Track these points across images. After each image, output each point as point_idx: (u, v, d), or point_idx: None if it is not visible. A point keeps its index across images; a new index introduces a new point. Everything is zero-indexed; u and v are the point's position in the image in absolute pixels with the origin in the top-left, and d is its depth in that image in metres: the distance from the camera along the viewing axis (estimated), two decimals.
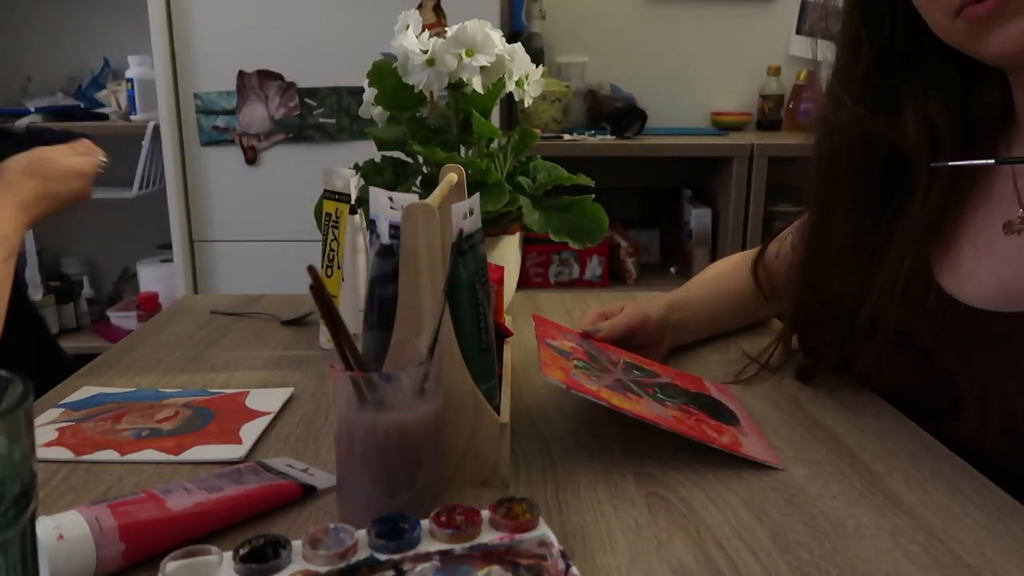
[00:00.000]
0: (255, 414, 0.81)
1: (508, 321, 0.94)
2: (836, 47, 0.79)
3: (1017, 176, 0.74)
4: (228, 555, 0.50)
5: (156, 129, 2.23)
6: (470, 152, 0.99)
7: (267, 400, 0.84)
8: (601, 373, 0.75)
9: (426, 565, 0.51)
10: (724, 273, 1.05)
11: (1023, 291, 0.70)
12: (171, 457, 0.72)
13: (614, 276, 2.45)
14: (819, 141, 0.84)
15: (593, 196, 0.97)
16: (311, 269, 0.55)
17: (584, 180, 1.00)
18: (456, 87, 0.95)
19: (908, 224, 0.77)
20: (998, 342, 0.70)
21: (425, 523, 0.53)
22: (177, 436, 0.75)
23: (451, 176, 0.77)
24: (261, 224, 2.23)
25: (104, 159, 1.24)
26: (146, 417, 0.79)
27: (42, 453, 0.72)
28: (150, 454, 0.72)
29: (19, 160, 1.12)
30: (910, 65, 0.76)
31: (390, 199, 0.67)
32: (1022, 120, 0.74)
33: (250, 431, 0.77)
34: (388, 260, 0.65)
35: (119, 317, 2.44)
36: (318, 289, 0.56)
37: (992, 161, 0.67)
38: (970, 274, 0.75)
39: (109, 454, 0.72)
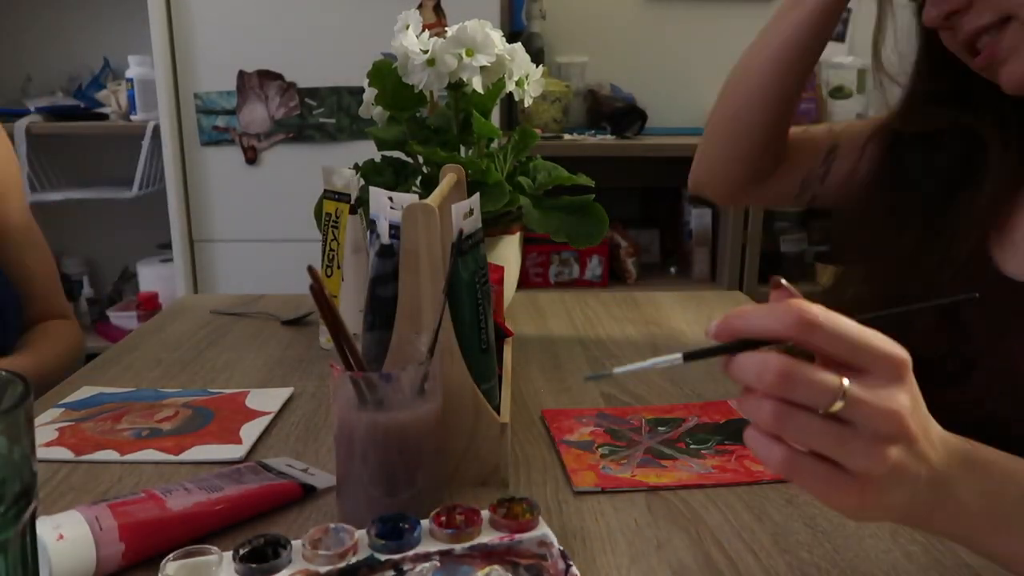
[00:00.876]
0: (255, 414, 0.81)
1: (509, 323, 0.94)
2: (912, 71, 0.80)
3: None
4: (228, 555, 0.50)
5: (156, 129, 2.22)
6: (470, 152, 0.99)
7: (267, 400, 0.84)
8: (628, 449, 0.73)
9: (426, 565, 0.51)
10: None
11: None
12: (171, 457, 0.72)
13: (614, 276, 2.45)
14: (881, 156, 0.83)
15: (593, 196, 0.97)
16: (311, 269, 0.55)
17: (584, 180, 1.00)
18: (456, 87, 0.95)
19: (972, 208, 0.76)
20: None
21: (425, 523, 0.53)
22: (177, 436, 0.75)
23: (451, 176, 0.77)
24: (261, 224, 2.23)
25: None
26: (146, 417, 0.79)
27: (42, 453, 0.72)
28: (150, 454, 0.72)
29: None
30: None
31: (390, 199, 0.67)
32: None
33: (250, 431, 0.77)
34: (388, 260, 0.65)
35: (119, 317, 2.43)
36: (319, 291, 0.56)
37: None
38: (1015, 247, 0.74)
39: (109, 454, 0.72)
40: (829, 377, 0.41)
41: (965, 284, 0.74)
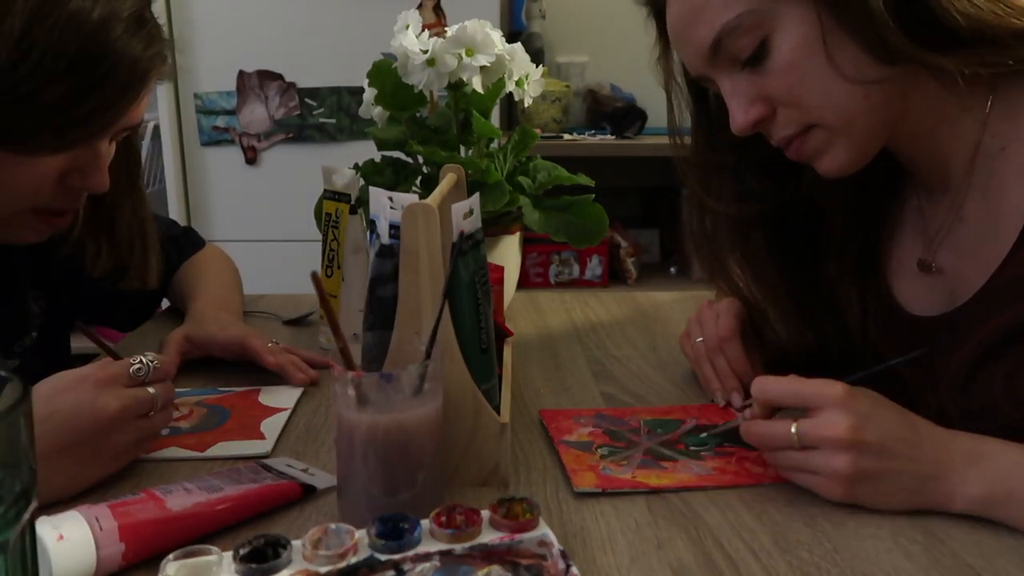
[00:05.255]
0: (272, 410, 0.81)
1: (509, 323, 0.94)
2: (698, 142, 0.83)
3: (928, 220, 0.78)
4: (228, 555, 0.50)
5: (156, 129, 2.22)
6: (470, 152, 0.99)
7: (281, 397, 0.85)
8: (628, 450, 0.72)
9: (426, 565, 0.51)
10: None
11: (952, 293, 0.74)
12: (196, 454, 0.72)
13: (614, 276, 2.45)
14: (710, 226, 0.85)
15: (593, 196, 0.97)
16: (314, 276, 0.55)
17: (584, 180, 1.00)
18: (456, 87, 0.95)
19: (841, 269, 0.83)
20: (933, 345, 0.73)
21: (425, 523, 0.53)
22: (198, 433, 0.76)
23: (451, 176, 0.77)
24: (261, 224, 2.23)
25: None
26: None
27: None
28: (174, 451, 0.72)
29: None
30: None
31: (390, 199, 0.67)
32: (917, 172, 0.78)
33: (270, 427, 0.78)
34: (388, 260, 0.65)
35: None
36: (322, 296, 0.56)
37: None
38: (911, 286, 0.79)
39: None
40: (782, 426, 0.63)
41: (880, 326, 0.81)
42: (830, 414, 0.61)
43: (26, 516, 0.35)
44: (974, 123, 0.70)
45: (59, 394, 0.62)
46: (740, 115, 0.71)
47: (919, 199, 0.79)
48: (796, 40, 0.66)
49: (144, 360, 0.66)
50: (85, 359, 0.75)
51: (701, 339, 0.87)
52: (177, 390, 0.86)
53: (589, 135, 2.39)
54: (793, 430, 0.62)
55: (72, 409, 0.62)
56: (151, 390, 0.66)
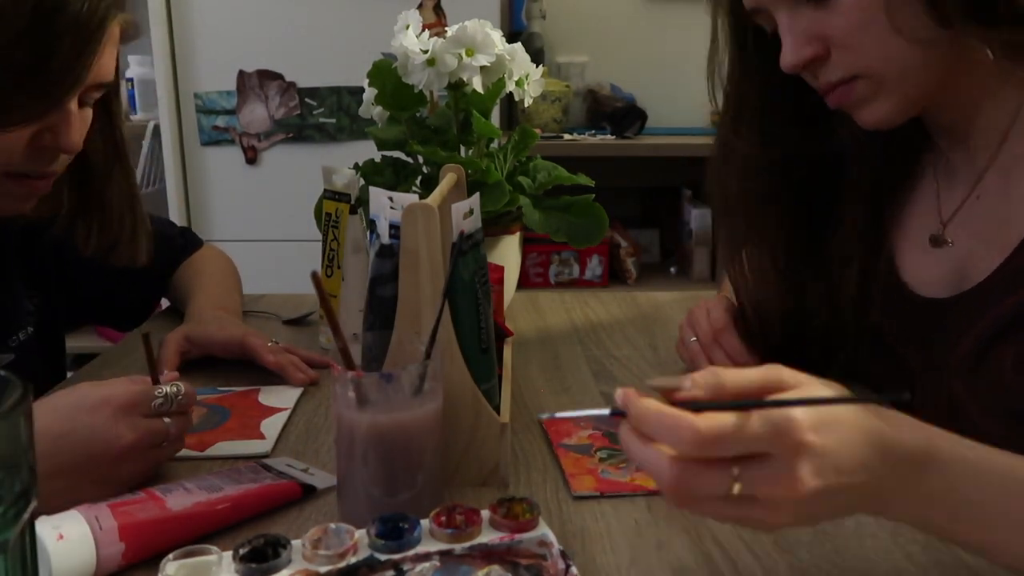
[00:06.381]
0: (271, 410, 0.81)
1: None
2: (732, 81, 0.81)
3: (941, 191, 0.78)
4: (228, 555, 0.50)
5: (156, 129, 2.22)
6: (470, 152, 0.99)
7: (280, 397, 0.85)
8: None
9: (426, 565, 0.51)
10: None
11: (962, 274, 0.73)
12: (197, 453, 0.72)
13: (614, 276, 2.45)
14: (727, 176, 0.84)
15: (593, 196, 0.97)
16: (314, 275, 0.55)
17: (584, 180, 1.00)
18: (456, 87, 0.95)
19: (845, 239, 0.81)
20: (941, 327, 0.73)
21: (425, 523, 0.53)
22: (199, 433, 0.76)
23: (451, 176, 0.77)
24: (261, 224, 2.23)
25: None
26: None
27: None
28: None
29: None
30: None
31: (390, 199, 0.67)
32: (945, 140, 0.78)
33: (270, 427, 0.78)
34: (388, 260, 0.65)
35: None
36: (322, 296, 0.56)
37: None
38: (918, 265, 0.79)
39: None
40: (715, 475, 0.45)
41: (884, 306, 0.80)
42: (786, 464, 0.45)
43: (26, 516, 0.35)
44: (1016, 102, 0.70)
45: (80, 413, 0.62)
46: (793, 53, 0.70)
47: (936, 177, 0.79)
48: None
49: (168, 392, 0.66)
50: (82, 359, 0.74)
51: (695, 338, 0.87)
52: None
53: (589, 135, 2.39)
54: (736, 489, 0.45)
55: (88, 433, 0.62)
56: (167, 420, 0.66)
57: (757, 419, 0.45)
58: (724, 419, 0.44)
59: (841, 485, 0.46)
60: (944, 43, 0.66)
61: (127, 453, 0.63)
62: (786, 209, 0.83)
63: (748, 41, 0.78)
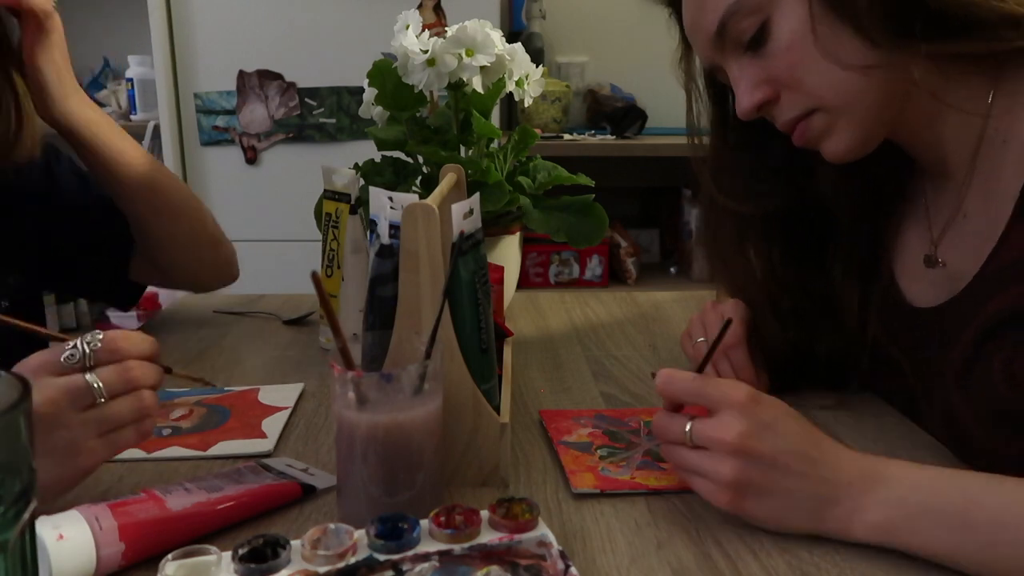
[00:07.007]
0: (272, 409, 0.81)
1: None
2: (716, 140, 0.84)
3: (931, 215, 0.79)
4: (228, 555, 0.50)
5: (156, 129, 2.22)
6: (470, 152, 0.99)
7: (280, 395, 0.85)
8: (627, 451, 0.72)
9: (425, 565, 0.51)
10: None
11: (952, 289, 0.74)
12: (199, 453, 0.72)
13: (614, 276, 2.45)
14: (716, 227, 0.86)
15: (593, 196, 0.97)
16: (314, 275, 0.55)
17: (584, 180, 1.00)
18: (456, 87, 0.95)
19: (842, 271, 0.83)
20: (935, 337, 0.74)
21: (425, 523, 0.53)
22: (200, 433, 0.76)
23: (451, 176, 0.77)
24: (261, 224, 2.23)
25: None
26: (162, 416, 0.80)
27: None
28: (177, 451, 0.73)
29: None
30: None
31: (390, 199, 0.67)
32: (923, 164, 0.79)
33: (271, 426, 0.78)
34: (388, 260, 0.65)
35: (119, 317, 2.43)
36: (322, 296, 0.56)
37: None
38: (915, 283, 0.80)
39: (136, 452, 0.72)
40: (679, 421, 0.61)
41: (883, 320, 0.82)
42: (726, 416, 0.58)
43: (26, 516, 0.35)
44: (976, 114, 0.70)
45: None
46: (745, 98, 0.72)
47: (925, 196, 0.79)
48: (794, 23, 0.68)
49: (79, 343, 0.57)
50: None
51: (703, 339, 0.87)
52: (176, 390, 0.86)
53: (589, 135, 2.39)
54: (687, 428, 0.60)
55: None
56: (88, 377, 0.57)
57: (713, 383, 0.61)
58: (687, 376, 0.62)
59: (775, 460, 0.57)
60: (884, 65, 0.67)
61: (46, 417, 0.56)
62: (777, 251, 0.84)
63: (729, 107, 0.81)
